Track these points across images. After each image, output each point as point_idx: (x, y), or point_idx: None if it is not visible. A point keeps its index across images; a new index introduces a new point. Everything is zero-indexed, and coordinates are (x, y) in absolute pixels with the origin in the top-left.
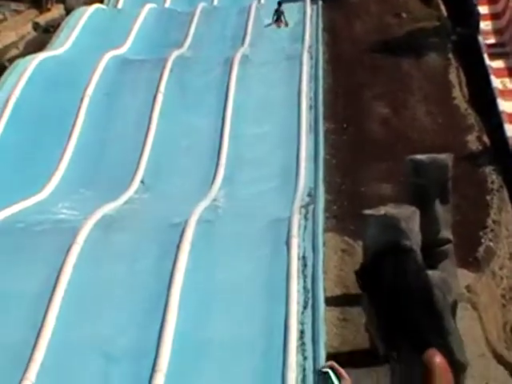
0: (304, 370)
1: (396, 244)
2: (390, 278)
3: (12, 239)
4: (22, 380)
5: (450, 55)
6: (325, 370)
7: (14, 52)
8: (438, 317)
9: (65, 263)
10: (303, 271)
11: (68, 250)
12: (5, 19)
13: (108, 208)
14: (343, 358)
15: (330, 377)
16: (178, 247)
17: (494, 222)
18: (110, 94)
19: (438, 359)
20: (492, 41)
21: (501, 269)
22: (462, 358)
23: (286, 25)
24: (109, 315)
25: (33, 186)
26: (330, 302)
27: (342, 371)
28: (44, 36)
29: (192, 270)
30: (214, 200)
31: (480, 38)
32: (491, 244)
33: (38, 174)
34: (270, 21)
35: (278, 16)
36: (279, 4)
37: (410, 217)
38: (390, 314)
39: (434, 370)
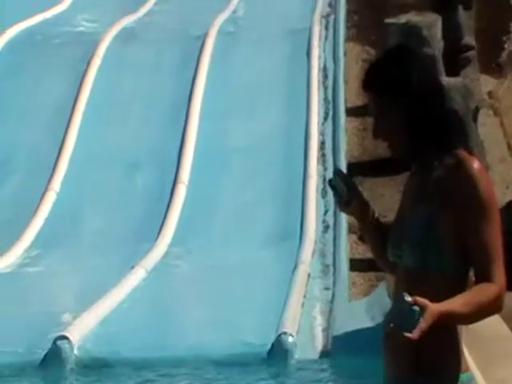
0: (324, 179)
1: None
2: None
3: (32, 52)
4: (46, 190)
5: None
6: (413, 307)
7: None
8: (460, 120)
9: (85, 76)
10: (324, 82)
11: (88, 63)
12: None
13: (128, 20)
14: (364, 167)
15: (417, 313)
16: (199, 59)
17: None
18: None
19: (476, 163)
20: None
21: None
22: (484, 162)
23: None
24: (131, 126)
25: None
26: (351, 112)
27: (424, 301)
28: None
29: (212, 80)
30: (234, 12)
31: None
32: (505, 50)
33: None
34: None
35: None
36: None
37: (432, 24)
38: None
39: (478, 169)
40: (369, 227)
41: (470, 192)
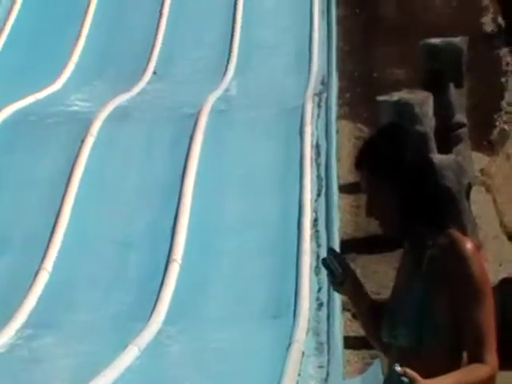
0: (318, 256)
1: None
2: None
3: (26, 131)
4: (38, 270)
5: None
6: (403, 378)
7: None
8: (453, 198)
9: (79, 154)
10: (317, 159)
11: (82, 141)
12: None
13: (121, 99)
14: (357, 244)
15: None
16: (192, 137)
17: (508, 104)
18: None
19: (469, 243)
20: None
21: None
22: (476, 240)
23: None
24: (124, 204)
25: (45, 78)
26: (344, 189)
27: (414, 374)
28: None
29: (205, 159)
30: (227, 90)
31: None
32: (505, 126)
33: (51, 66)
34: None
35: None
36: None
37: (423, 102)
38: (404, 194)
39: (471, 249)
40: (362, 307)
41: (463, 274)
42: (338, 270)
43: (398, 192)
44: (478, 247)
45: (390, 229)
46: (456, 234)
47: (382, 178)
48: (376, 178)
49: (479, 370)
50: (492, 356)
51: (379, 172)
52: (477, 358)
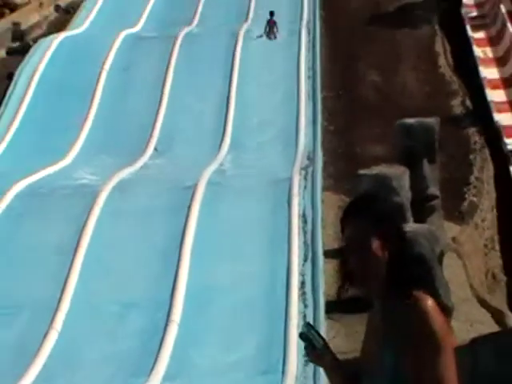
0: (305, 316)
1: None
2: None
3: (37, 203)
4: (48, 330)
5: (436, 27)
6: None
7: (37, 32)
8: (426, 263)
9: (86, 223)
10: (303, 227)
11: (89, 211)
12: (29, 2)
13: (125, 173)
14: (341, 305)
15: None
16: (189, 208)
17: (476, 178)
18: (126, 68)
19: (430, 301)
20: (474, 13)
21: (483, 221)
22: (449, 302)
23: (275, 37)
24: (127, 269)
25: (56, 154)
26: (328, 254)
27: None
28: (65, 17)
29: (201, 227)
30: (221, 164)
31: (463, 11)
32: (474, 199)
33: (61, 142)
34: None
35: (270, 27)
36: (271, 14)
37: (400, 175)
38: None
39: (428, 310)
40: (337, 377)
41: (424, 330)
42: (320, 342)
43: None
44: (450, 309)
45: (366, 288)
46: (420, 294)
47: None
48: (364, 232)
49: None
50: None
51: (368, 223)
52: None
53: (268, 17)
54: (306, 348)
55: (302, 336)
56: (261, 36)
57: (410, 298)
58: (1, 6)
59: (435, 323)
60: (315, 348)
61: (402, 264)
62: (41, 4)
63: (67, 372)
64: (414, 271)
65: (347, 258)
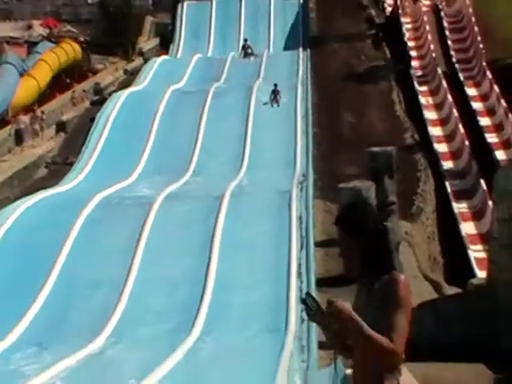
0: (301, 290)
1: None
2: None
3: (110, 209)
4: (118, 300)
5: (393, 82)
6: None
7: (111, 88)
8: (391, 250)
9: (145, 224)
10: (299, 225)
11: (147, 215)
12: (105, 67)
13: (172, 187)
14: (327, 281)
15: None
16: (218, 211)
17: (422, 190)
18: (173, 113)
19: (402, 276)
20: (419, 73)
21: (427, 219)
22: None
23: (278, 105)
24: (173, 257)
25: (123, 174)
26: (318, 244)
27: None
28: (131, 77)
29: (227, 226)
30: (241, 181)
31: (411, 71)
32: (421, 204)
33: (127, 166)
34: (267, 99)
35: (275, 96)
36: (275, 85)
37: (368, 188)
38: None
39: (403, 281)
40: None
41: (395, 294)
42: (314, 306)
43: (360, 245)
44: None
45: (351, 270)
46: (396, 273)
47: (352, 234)
48: (347, 234)
49: (387, 341)
50: (399, 343)
51: (350, 230)
52: (390, 339)
53: (273, 87)
54: (305, 310)
55: (302, 301)
56: (266, 103)
57: (388, 275)
58: (86, 71)
59: (404, 290)
60: (311, 310)
61: (383, 253)
62: (116, 69)
63: (131, 330)
64: (390, 257)
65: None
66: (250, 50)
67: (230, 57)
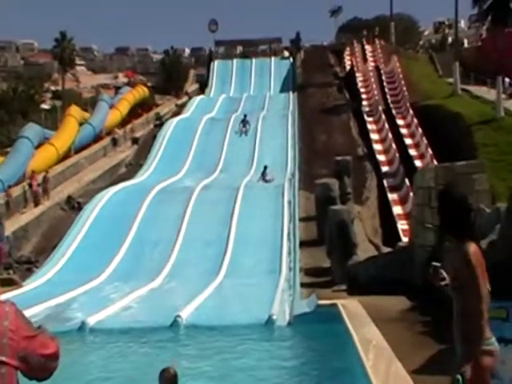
0: (289, 250)
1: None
2: None
3: (165, 195)
4: (170, 254)
5: (350, 115)
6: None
7: (167, 116)
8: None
9: (188, 206)
10: (289, 207)
11: (189, 199)
12: (163, 103)
13: (206, 181)
14: (306, 243)
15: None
16: (236, 197)
17: (368, 185)
18: (208, 133)
19: (472, 247)
20: (367, 109)
21: (371, 204)
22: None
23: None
24: (206, 225)
25: (175, 172)
26: (301, 219)
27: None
28: (180, 109)
29: (242, 208)
30: (251, 178)
31: (362, 108)
32: (367, 194)
33: (177, 167)
34: (258, 176)
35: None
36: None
37: (334, 183)
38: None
39: (472, 249)
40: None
41: (468, 258)
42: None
43: (450, 215)
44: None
45: (444, 234)
46: (469, 243)
47: (449, 208)
48: (446, 207)
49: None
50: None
51: (447, 205)
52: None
53: (242, 117)
54: (430, 275)
55: (428, 268)
56: (258, 181)
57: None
58: (151, 104)
59: (473, 255)
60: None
61: (468, 222)
62: (176, 104)
63: (179, 273)
64: (473, 226)
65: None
66: (248, 126)
67: (245, 96)
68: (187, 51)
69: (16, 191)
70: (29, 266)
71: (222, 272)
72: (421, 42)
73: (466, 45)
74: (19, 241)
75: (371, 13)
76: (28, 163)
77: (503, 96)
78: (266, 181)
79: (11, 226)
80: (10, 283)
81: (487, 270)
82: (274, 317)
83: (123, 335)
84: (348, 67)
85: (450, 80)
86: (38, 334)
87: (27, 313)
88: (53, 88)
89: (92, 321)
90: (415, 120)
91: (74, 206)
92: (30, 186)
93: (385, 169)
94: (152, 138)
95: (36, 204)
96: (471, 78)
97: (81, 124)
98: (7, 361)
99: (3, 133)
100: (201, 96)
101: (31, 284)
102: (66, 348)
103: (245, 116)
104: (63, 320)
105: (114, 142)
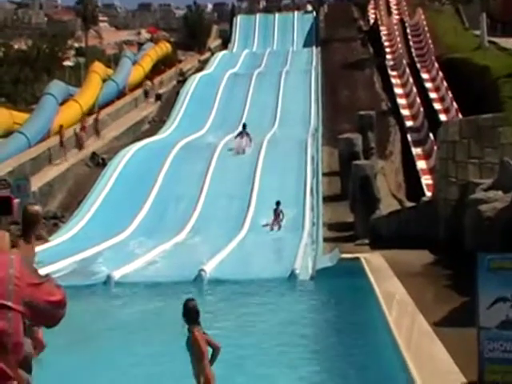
0: (312, 205)
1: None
2: None
3: (190, 151)
4: (195, 208)
5: (374, 69)
6: None
7: (190, 72)
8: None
9: (211, 161)
10: (312, 162)
11: (212, 155)
12: (186, 59)
13: (229, 136)
14: (329, 198)
15: None
16: (259, 150)
17: (392, 139)
18: (230, 88)
19: None
20: (391, 63)
21: (395, 159)
22: None
23: (279, 228)
24: (231, 180)
25: (198, 128)
26: (324, 174)
27: None
28: (203, 65)
29: (266, 159)
30: (274, 133)
31: (386, 62)
32: (391, 149)
33: (201, 123)
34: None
35: (277, 215)
36: (278, 204)
37: (357, 138)
38: None
39: None
40: None
41: None
42: None
43: None
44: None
45: None
46: None
47: None
48: None
49: None
50: None
51: None
52: None
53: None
54: None
55: None
56: (266, 225)
57: None
58: (174, 61)
59: None
60: None
61: None
62: (199, 60)
63: (203, 228)
64: None
65: None
66: (248, 140)
67: (268, 51)
68: (210, 6)
69: (68, 133)
70: (55, 222)
71: (246, 227)
72: None
73: None
74: (45, 197)
75: None
76: (53, 120)
77: None
78: (280, 226)
79: (38, 182)
80: (37, 238)
81: None
82: (297, 271)
83: (148, 289)
84: (372, 21)
85: (477, 32)
86: (43, 281)
87: (54, 267)
88: (76, 45)
89: (117, 275)
90: (440, 74)
91: (98, 162)
92: (82, 128)
93: (409, 123)
94: (175, 94)
95: (80, 148)
96: (498, 30)
97: (104, 80)
98: (13, 306)
99: (28, 90)
100: (223, 51)
101: (57, 239)
102: (91, 300)
103: (244, 126)
104: (89, 274)
105: (146, 94)
